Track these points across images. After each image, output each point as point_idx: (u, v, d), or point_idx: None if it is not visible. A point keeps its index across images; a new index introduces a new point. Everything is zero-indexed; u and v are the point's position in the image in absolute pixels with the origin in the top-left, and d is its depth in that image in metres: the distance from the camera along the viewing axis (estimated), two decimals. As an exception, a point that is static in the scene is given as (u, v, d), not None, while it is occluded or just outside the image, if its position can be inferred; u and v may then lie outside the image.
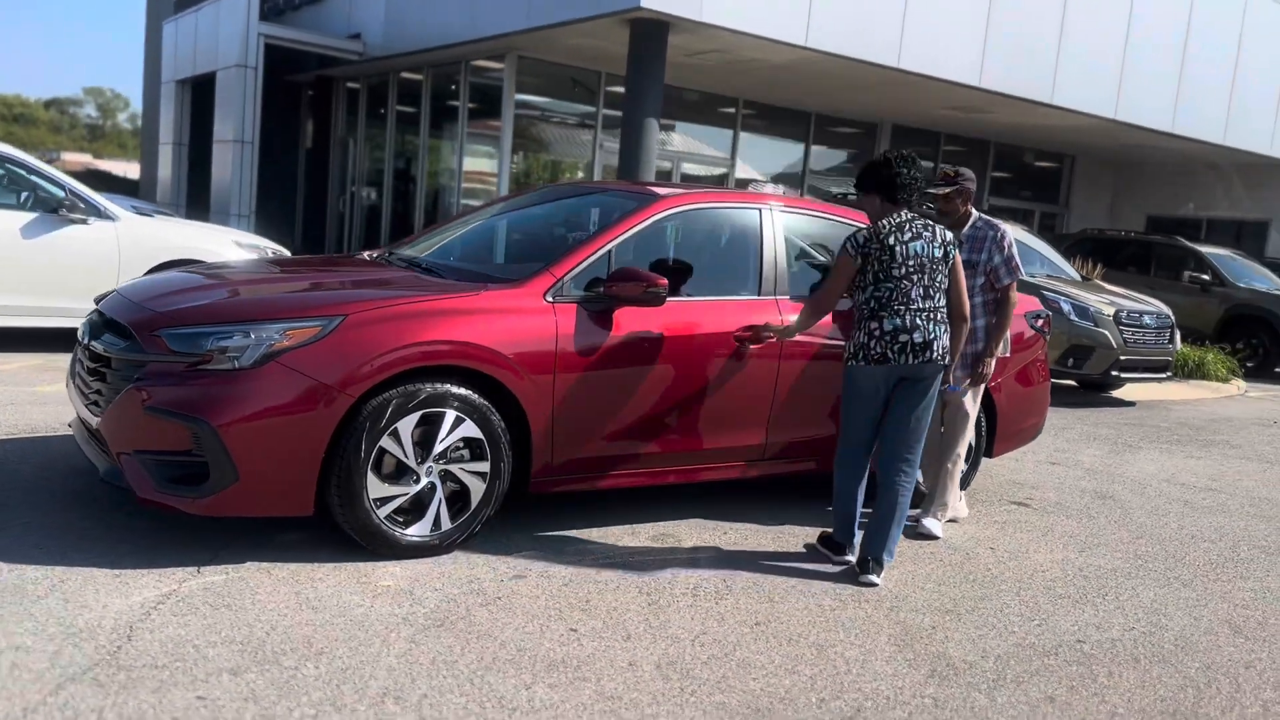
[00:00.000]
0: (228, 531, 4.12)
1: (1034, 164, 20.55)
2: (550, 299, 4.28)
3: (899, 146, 18.02)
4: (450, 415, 4.00)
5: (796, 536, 4.81)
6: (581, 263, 4.40)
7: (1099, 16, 14.38)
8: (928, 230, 4.26)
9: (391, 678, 3.06)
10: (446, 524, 4.08)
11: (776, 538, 4.78)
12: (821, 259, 5.30)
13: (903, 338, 4.14)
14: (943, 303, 4.27)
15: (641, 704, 3.04)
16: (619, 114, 15.45)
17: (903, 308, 4.16)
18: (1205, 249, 14.90)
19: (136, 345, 3.86)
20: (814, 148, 17.44)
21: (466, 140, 15.19)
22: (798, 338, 4.70)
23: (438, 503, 4.06)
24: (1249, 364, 13.58)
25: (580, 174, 15.50)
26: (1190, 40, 15.57)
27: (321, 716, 2.80)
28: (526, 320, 4.18)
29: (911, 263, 4.18)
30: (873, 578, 4.20)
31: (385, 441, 3.89)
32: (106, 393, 3.93)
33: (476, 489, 4.12)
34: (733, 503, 5.19)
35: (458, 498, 4.11)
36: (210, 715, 2.75)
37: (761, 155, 17.19)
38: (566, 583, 3.95)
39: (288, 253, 8.84)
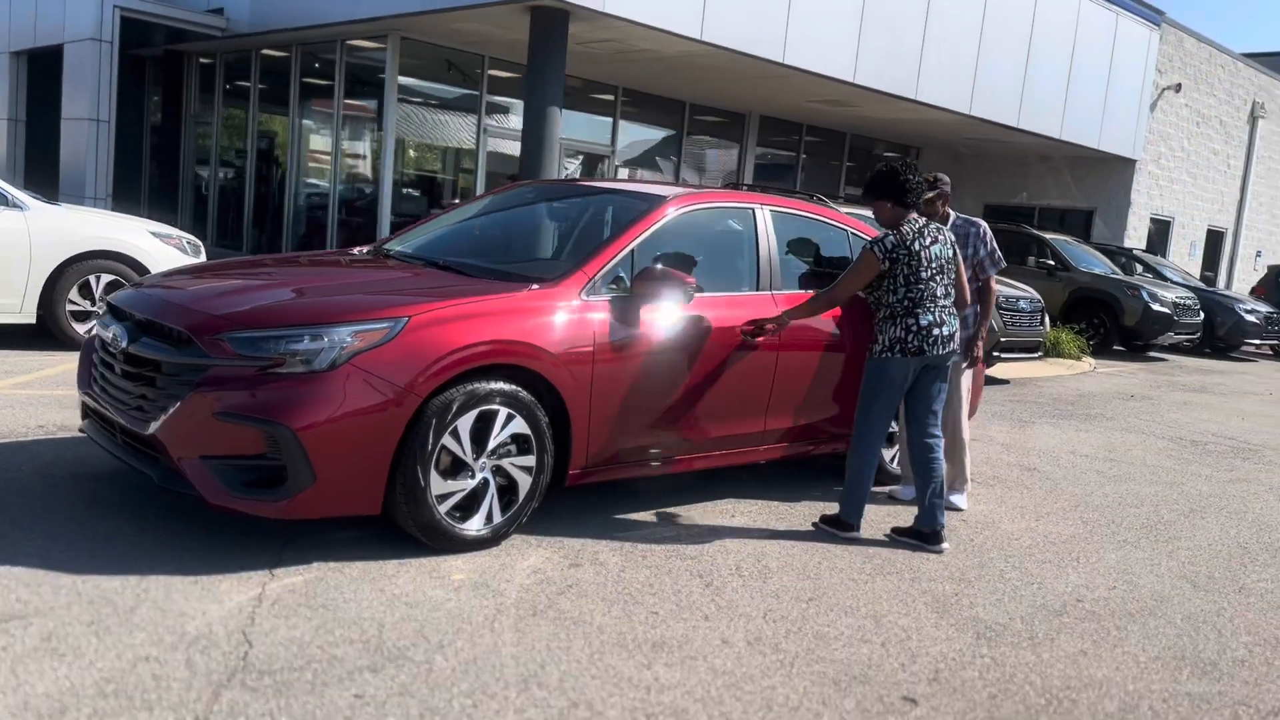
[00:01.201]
0: (277, 534, 4.12)
1: (883, 155, 21.65)
2: (585, 297, 4.45)
3: (766, 135, 18.76)
4: (503, 412, 4.13)
5: (798, 513, 5.15)
6: (610, 261, 4.59)
7: (958, 18, 15.33)
8: (940, 234, 4.68)
9: (520, 665, 3.21)
10: (498, 517, 4.21)
11: (780, 516, 5.10)
12: (804, 255, 5.63)
13: (935, 331, 4.57)
14: (954, 296, 4.71)
15: (755, 677, 3.30)
16: (502, 99, 15.49)
17: (932, 305, 4.58)
18: (1050, 236, 16.17)
19: (197, 350, 3.81)
20: (688, 136, 17.86)
21: (343, 123, 14.86)
22: (810, 327, 5.09)
23: (490, 497, 4.18)
24: (1092, 342, 14.86)
25: (466, 160, 15.39)
26: (1033, 44, 16.77)
27: (481, 705, 2.94)
28: (567, 318, 4.34)
29: (934, 265, 4.62)
30: (945, 545, 4.76)
31: (447, 439, 3.99)
32: (158, 398, 3.87)
33: (524, 483, 4.27)
34: (733, 484, 5.48)
35: (504, 492, 4.25)
36: (376, 712, 2.85)
37: (639, 143, 17.50)
38: (620, 568, 4.15)
39: (200, 242, 8.56)
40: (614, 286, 4.57)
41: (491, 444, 4.13)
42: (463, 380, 4.00)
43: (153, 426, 3.81)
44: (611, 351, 4.45)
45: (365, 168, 15.11)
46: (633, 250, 4.68)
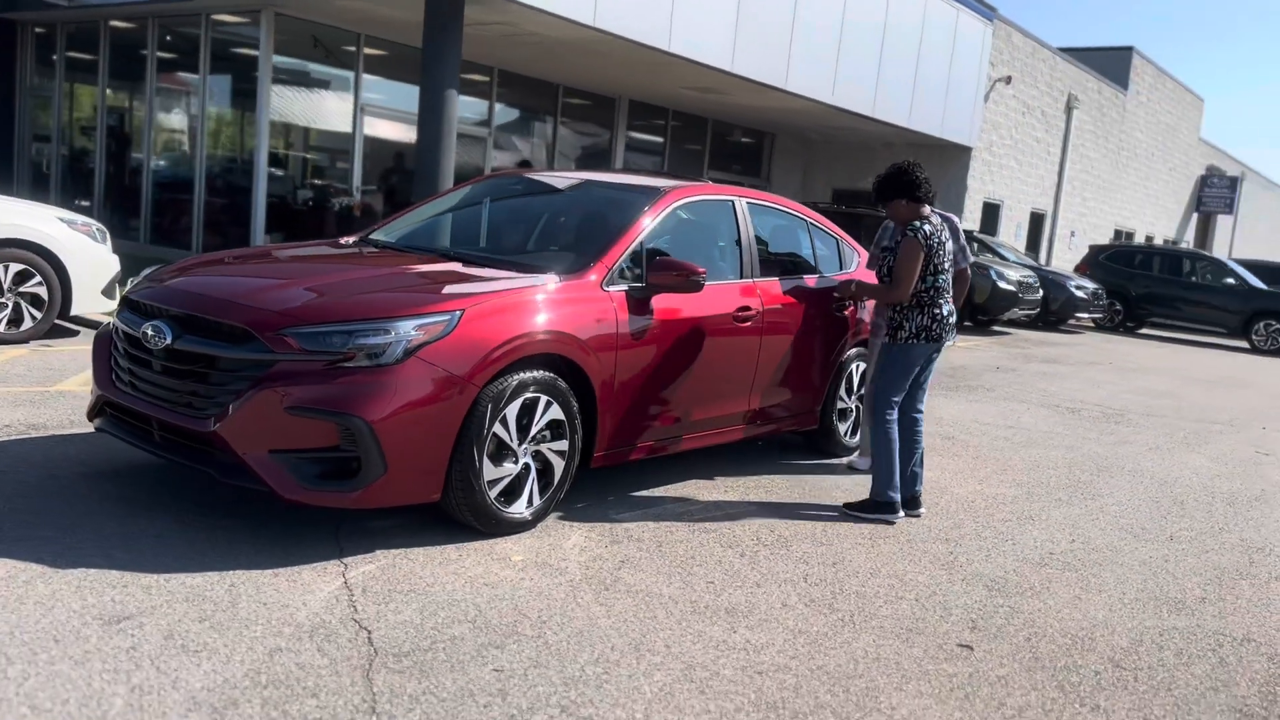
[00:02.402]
0: (322, 524, 4.19)
1: (741, 140, 22.37)
2: (606, 287, 4.66)
3: (635, 119, 19.07)
4: (542, 399, 4.31)
5: (779, 485, 5.53)
6: (625, 252, 4.81)
7: (822, 12, 16.05)
8: (943, 229, 5.12)
9: (622, 635, 3.44)
10: (537, 500, 4.40)
11: (765, 488, 5.47)
12: (773, 243, 5.99)
13: (951, 319, 5.05)
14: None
15: (829, 635, 3.64)
16: (380, 79, 15.21)
17: (948, 294, 5.07)
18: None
19: (259, 345, 3.83)
20: (561, 119, 17.99)
21: (210, 101, 14.29)
22: (785, 316, 5.46)
23: (531, 481, 4.36)
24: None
25: (342, 141, 15.04)
26: (886, 38, 17.72)
27: (611, 671, 3.16)
28: (594, 308, 4.55)
29: (947, 259, 5.07)
30: (922, 510, 5.22)
31: (496, 427, 4.14)
32: (214, 394, 3.86)
33: (559, 466, 4.47)
34: (709, 461, 5.80)
35: (540, 476, 4.43)
36: (522, 683, 3.03)
37: (514, 125, 17.51)
38: (657, 544, 4.42)
39: (106, 229, 8.20)
40: (626, 276, 4.79)
41: (533, 430, 4.31)
42: (511, 370, 4.17)
43: (213, 423, 3.80)
44: (631, 339, 4.69)
45: (234, 149, 14.58)
46: (641, 241, 4.92)
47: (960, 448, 7.14)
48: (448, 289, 4.21)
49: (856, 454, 6.33)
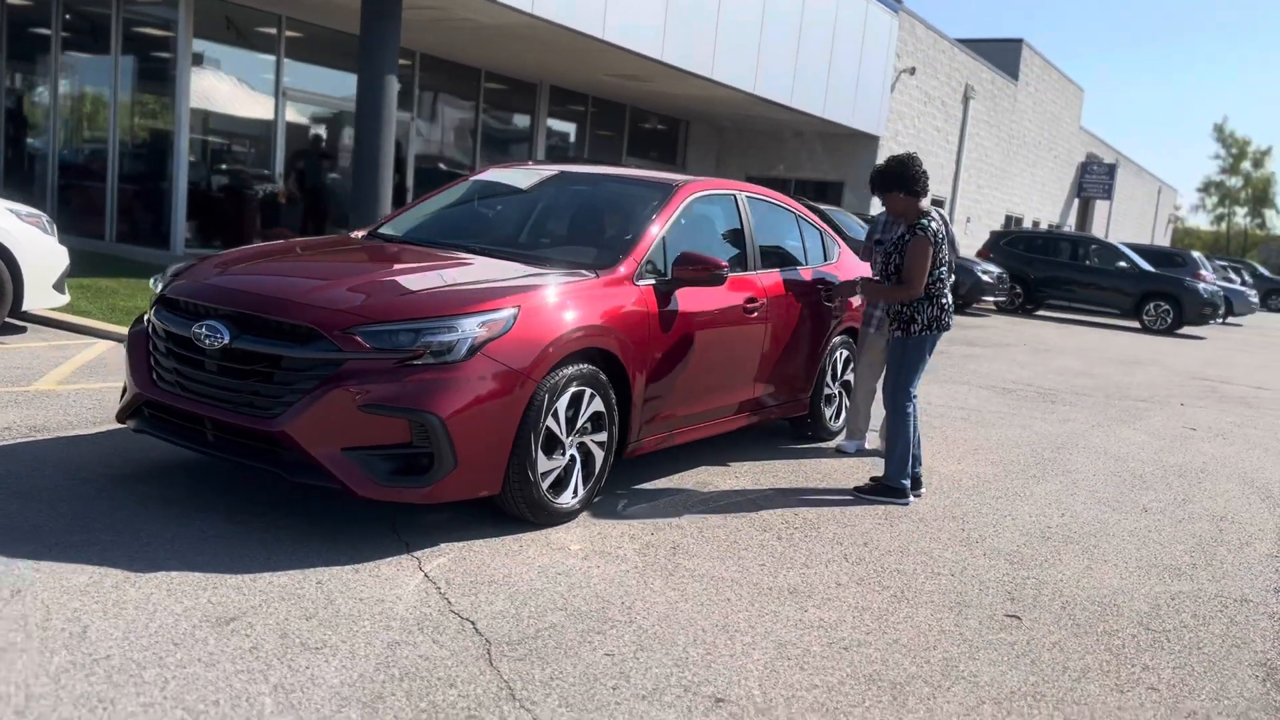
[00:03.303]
0: (375, 519, 4.22)
1: (657, 127, 22.56)
2: (636, 282, 4.79)
3: (555, 105, 19.05)
4: (587, 392, 4.42)
5: (785, 469, 5.75)
6: (650, 248, 4.94)
7: (744, 1, 16.32)
8: (942, 224, 5.38)
9: (707, 617, 3.60)
10: (581, 491, 4.51)
11: (772, 472, 5.68)
12: (770, 235, 6.19)
13: (951, 308, 5.27)
14: None
15: (889, 610, 3.86)
16: (304, 65, 14.86)
17: (946, 285, 5.27)
18: (825, 207, 17.61)
19: (327, 344, 3.84)
20: (483, 105, 17.86)
21: (123, 85, 13.75)
22: (786, 309, 5.70)
23: (576, 472, 4.47)
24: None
25: (261, 128, 14.65)
26: (803, 27, 18.12)
27: (714, 652, 3.32)
28: (628, 302, 4.67)
29: (948, 252, 5.31)
30: (922, 490, 5.49)
31: (549, 420, 4.24)
32: (278, 393, 3.86)
33: (598, 457, 4.59)
34: (714, 448, 5.98)
35: (582, 467, 4.54)
36: (636, 665, 3.17)
37: (437, 110, 17.31)
38: (697, 530, 4.58)
39: (52, 220, 7.91)
40: (652, 271, 4.92)
41: (579, 422, 4.41)
42: (563, 364, 4.26)
43: (281, 422, 3.80)
44: (659, 332, 4.83)
45: (150, 134, 14.07)
46: (663, 237, 5.05)
47: (926, 429, 7.48)
48: (500, 286, 4.27)
49: (842, 436, 6.60)
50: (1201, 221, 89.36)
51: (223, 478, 4.60)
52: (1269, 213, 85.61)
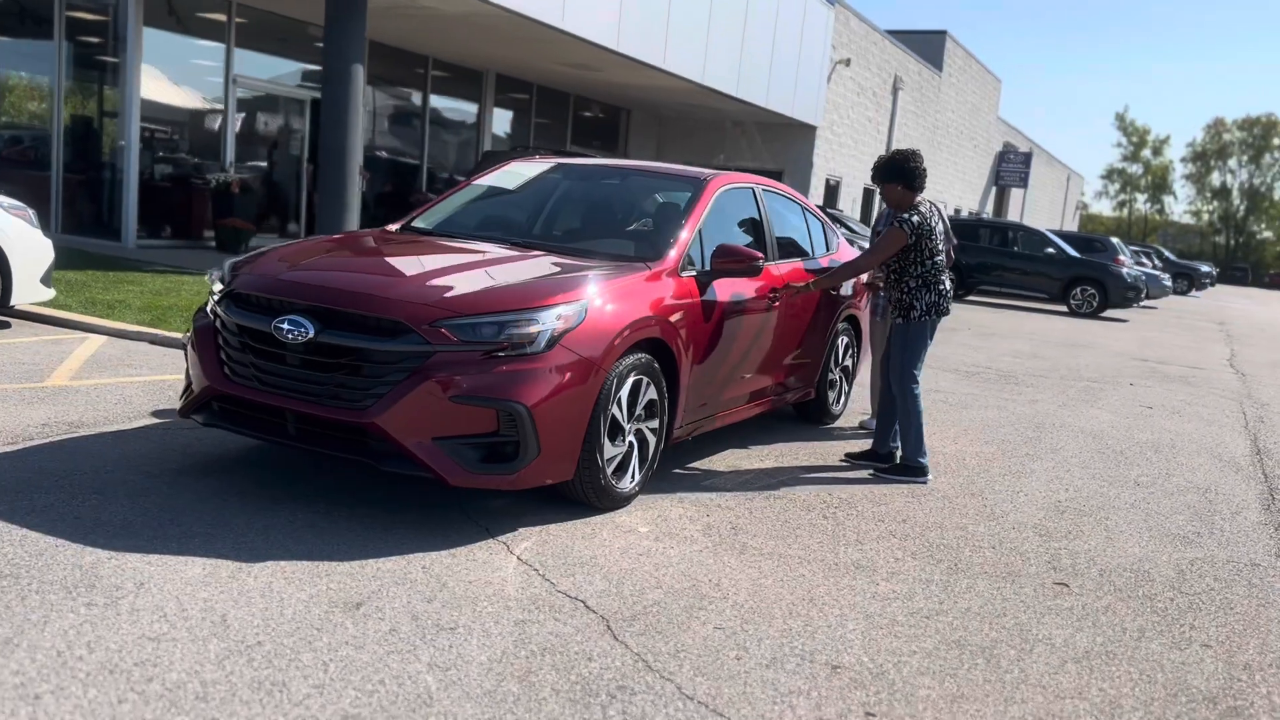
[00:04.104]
0: (445, 507, 4.34)
1: (599, 115, 22.67)
2: (681, 273, 4.96)
3: (501, 94, 19.03)
4: (644, 381, 4.59)
5: (807, 451, 5.99)
6: (690, 241, 5.12)
7: (694, -7, 16.55)
8: (934, 214, 5.65)
9: (791, 592, 3.81)
10: (637, 475, 4.68)
11: (794, 454, 5.92)
12: (783, 227, 6.41)
13: (949, 294, 5.57)
14: None
15: (949, 582, 4.12)
16: (253, 53, 14.62)
17: (943, 271, 5.58)
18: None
19: (417, 338, 3.93)
20: (430, 93, 17.76)
21: (67, 72, 13.38)
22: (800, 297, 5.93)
23: (634, 458, 4.64)
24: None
25: (210, 120, 14.39)
26: (748, 19, 18.42)
27: (812, 623, 3.53)
28: (676, 293, 4.85)
29: (941, 238, 5.58)
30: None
31: (613, 407, 4.40)
32: (368, 385, 3.94)
33: (652, 443, 4.76)
34: (733, 434, 6.20)
35: (638, 453, 4.71)
36: (748, 638, 3.36)
37: (386, 98, 17.16)
38: (747, 511, 4.79)
39: (32, 211, 7.75)
40: (693, 262, 5.10)
41: (637, 409, 4.58)
42: (627, 354, 4.42)
43: (372, 414, 3.89)
44: (703, 322, 5.01)
45: (97, 123, 13.71)
46: (699, 229, 5.24)
47: (914, 412, 7.80)
48: (569, 279, 4.41)
49: (867, 415, 6.93)
50: (1104, 208, 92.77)
51: (280, 468, 4.65)
52: (1167, 199, 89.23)
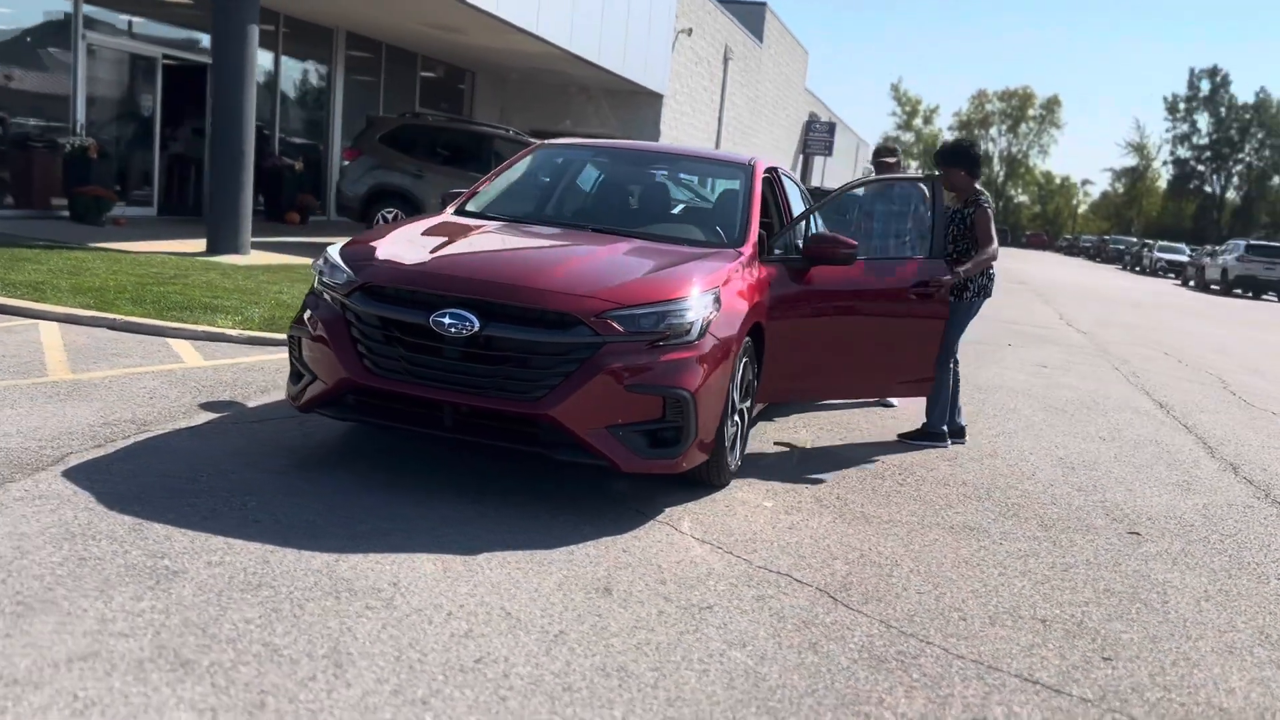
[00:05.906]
0: (576, 490, 4.45)
1: (444, 77, 22.17)
2: (762, 261, 5.16)
3: (350, 52, 18.30)
4: (748, 362, 4.81)
5: (832, 424, 6.37)
6: (758, 225, 5.33)
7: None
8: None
9: (944, 556, 4.17)
10: (739, 452, 4.91)
11: (832, 430, 6.29)
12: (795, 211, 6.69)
13: (995, 276, 6.03)
14: None
15: (1044, 537, 4.60)
16: (106, 9, 13.48)
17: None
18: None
19: (586, 330, 4.00)
20: (281, 52, 16.89)
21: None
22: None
23: (738, 435, 4.86)
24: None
25: (58, 85, 13.19)
26: (608, -14, 18.49)
27: (986, 585, 3.90)
28: (763, 279, 5.06)
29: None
30: (965, 439, 6.15)
31: (734, 390, 4.60)
32: (538, 377, 3.98)
33: (745, 422, 4.99)
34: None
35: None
36: (953, 599, 3.69)
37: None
38: (838, 481, 5.12)
39: None
40: (776, 250, 5.28)
41: (743, 390, 4.80)
42: (743, 337, 4.62)
43: (546, 405, 3.94)
44: (784, 306, 5.18)
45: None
46: (759, 215, 5.46)
47: (869, 378, 8.35)
48: (700, 266, 4.55)
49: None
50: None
51: (407, 459, 4.61)
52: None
